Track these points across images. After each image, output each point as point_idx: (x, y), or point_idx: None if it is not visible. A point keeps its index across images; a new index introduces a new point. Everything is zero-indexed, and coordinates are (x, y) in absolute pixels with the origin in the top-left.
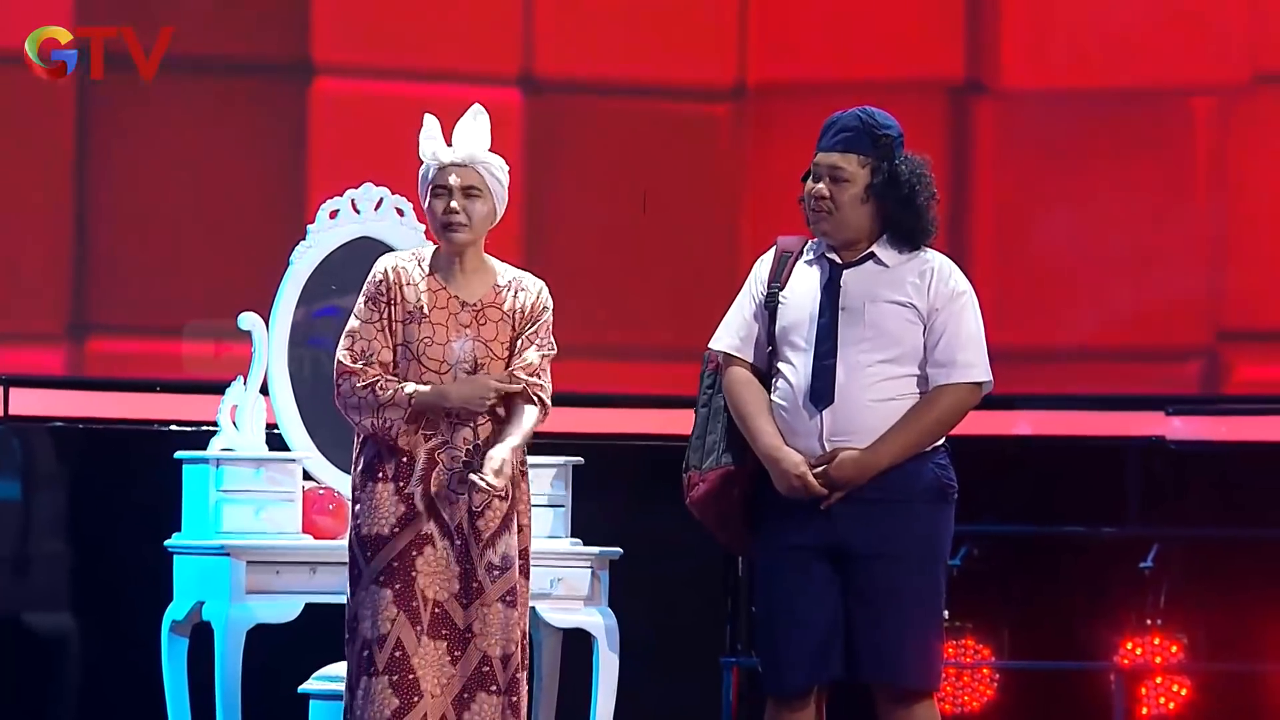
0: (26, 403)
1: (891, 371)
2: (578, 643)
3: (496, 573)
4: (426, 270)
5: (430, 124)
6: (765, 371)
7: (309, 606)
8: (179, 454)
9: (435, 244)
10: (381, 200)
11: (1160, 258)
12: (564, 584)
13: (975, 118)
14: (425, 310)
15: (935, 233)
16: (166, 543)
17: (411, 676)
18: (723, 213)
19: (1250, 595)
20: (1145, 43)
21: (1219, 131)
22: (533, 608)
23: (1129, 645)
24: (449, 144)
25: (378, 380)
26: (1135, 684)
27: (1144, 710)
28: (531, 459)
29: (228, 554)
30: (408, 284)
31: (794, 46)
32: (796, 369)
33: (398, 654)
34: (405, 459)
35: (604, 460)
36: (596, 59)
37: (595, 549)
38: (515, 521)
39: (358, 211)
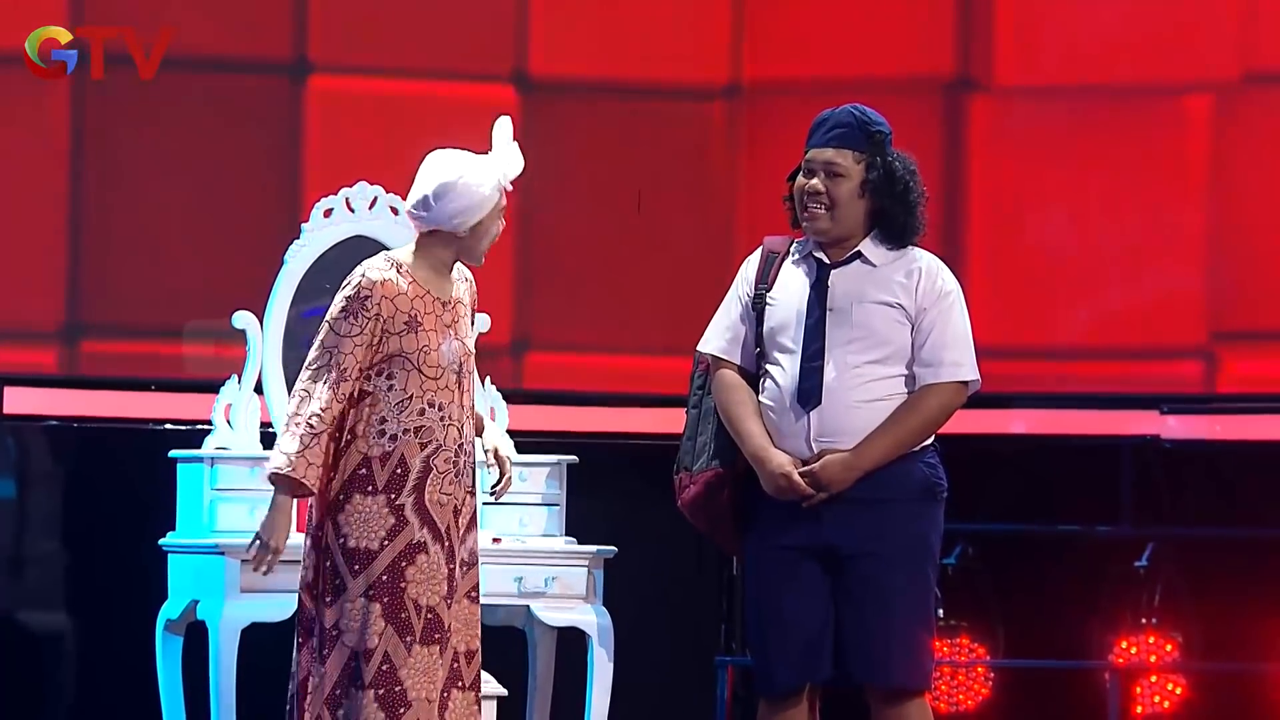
0: (21, 402)
1: (879, 372)
2: (572, 642)
3: (465, 568)
4: (410, 276)
5: (504, 132)
6: (754, 373)
7: None
8: (173, 453)
9: (408, 246)
10: (376, 199)
11: (1155, 256)
12: (558, 583)
13: (969, 115)
14: (419, 318)
15: (924, 231)
16: (161, 541)
17: (399, 689)
18: (717, 211)
19: (1245, 594)
20: (1139, 40)
21: (1213, 129)
22: (527, 606)
23: (1124, 644)
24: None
25: (313, 444)
26: (1130, 683)
27: (1139, 709)
28: (526, 458)
29: (222, 553)
30: (398, 295)
31: (788, 45)
32: (784, 370)
33: (384, 667)
34: (399, 470)
35: (598, 459)
36: (591, 57)
37: (590, 548)
38: (477, 516)
39: (352, 210)
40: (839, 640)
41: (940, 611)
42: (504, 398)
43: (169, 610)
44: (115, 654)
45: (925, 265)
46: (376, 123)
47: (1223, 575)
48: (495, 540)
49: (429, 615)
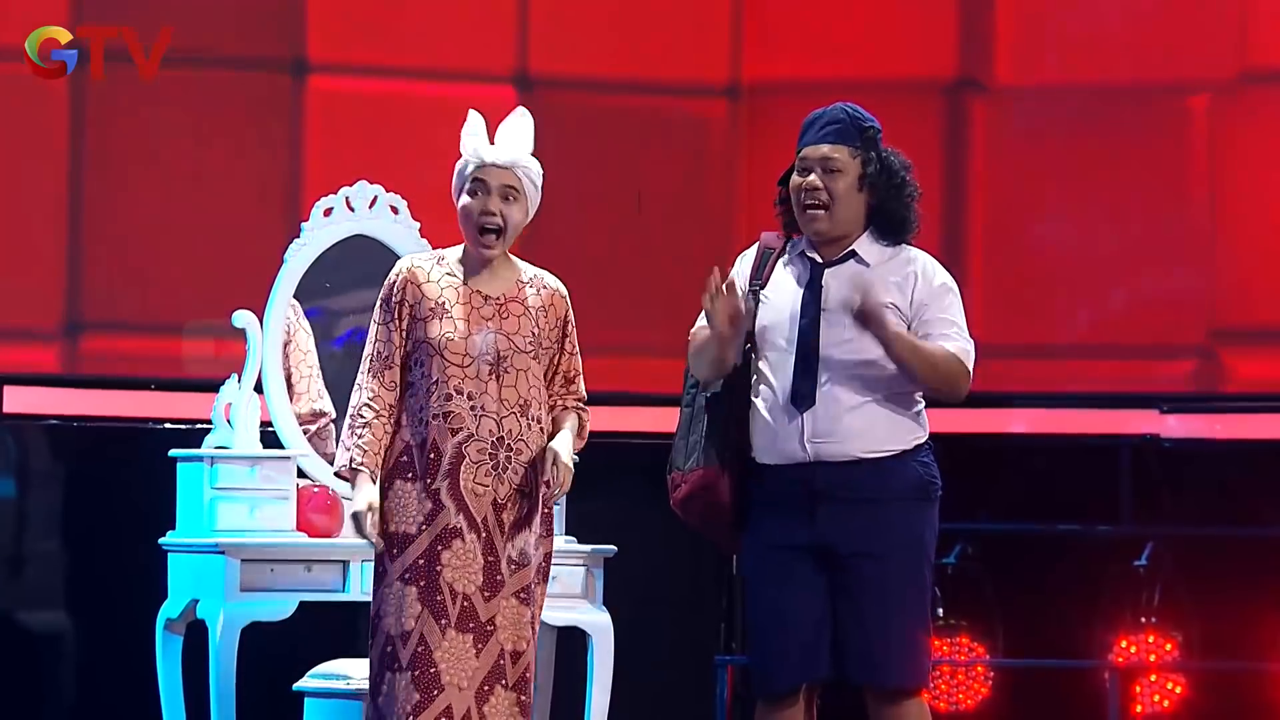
0: (21, 400)
1: (873, 373)
2: (572, 641)
3: (514, 567)
4: (448, 268)
5: (475, 120)
6: (739, 366)
7: (303, 604)
8: (173, 452)
9: (460, 245)
10: (376, 198)
11: (1154, 255)
12: (559, 582)
13: (969, 115)
14: (447, 306)
15: (919, 228)
16: (161, 541)
17: (433, 670)
18: (717, 211)
19: (1245, 593)
20: (1139, 40)
21: (1213, 129)
22: None
23: (1123, 643)
24: (491, 143)
25: (360, 438)
26: (1130, 682)
27: (1138, 708)
28: None
29: (222, 552)
30: (425, 282)
31: (788, 45)
32: (778, 371)
33: (420, 649)
34: (433, 455)
35: (598, 458)
36: (591, 57)
37: (590, 547)
38: (537, 521)
39: (352, 209)
40: (836, 640)
41: (940, 611)
42: None
43: (169, 609)
44: (115, 653)
45: (921, 265)
46: (376, 122)
47: (1222, 574)
48: None
49: (464, 603)
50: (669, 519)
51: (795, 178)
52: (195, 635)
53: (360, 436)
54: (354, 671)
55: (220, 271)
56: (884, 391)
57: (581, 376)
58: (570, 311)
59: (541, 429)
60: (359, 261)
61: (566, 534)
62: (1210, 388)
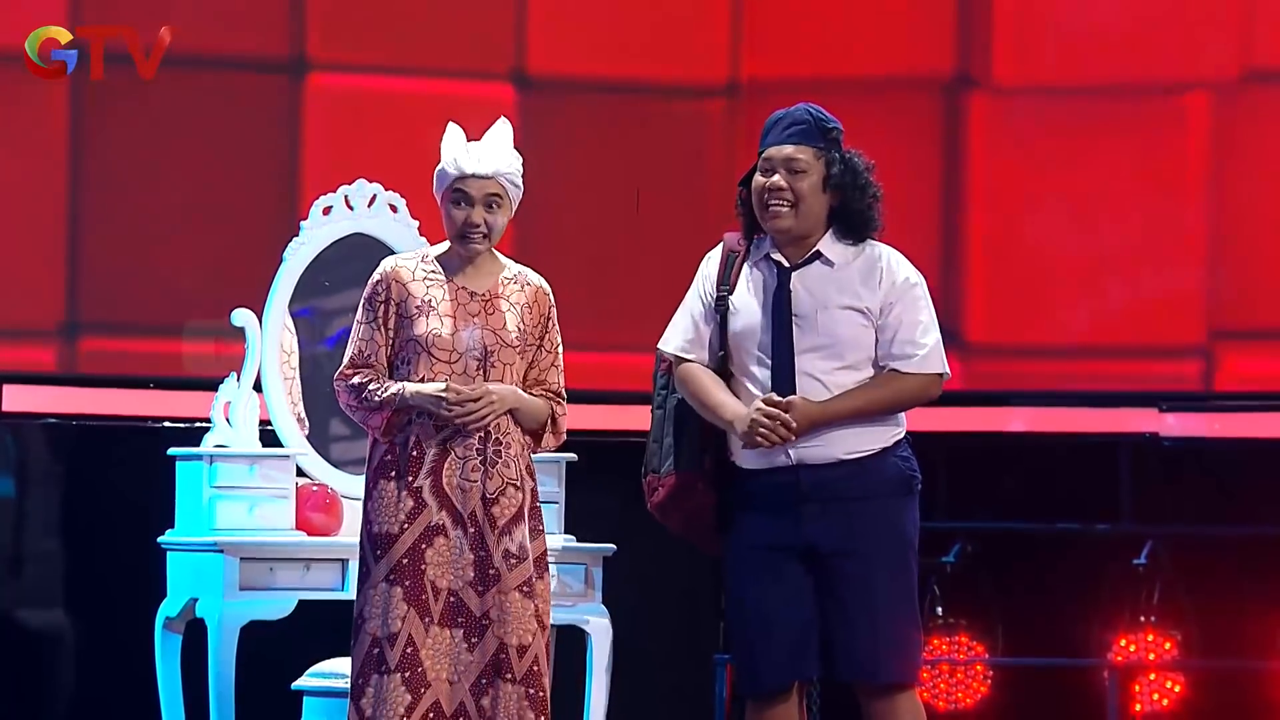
0: (20, 399)
1: (849, 378)
2: (571, 639)
3: (513, 561)
4: (432, 266)
5: (454, 134)
6: (718, 371)
7: (302, 603)
8: (172, 451)
9: (443, 244)
10: (375, 196)
11: (1153, 254)
12: (558, 581)
13: (968, 115)
14: (433, 303)
15: (882, 227)
16: (160, 539)
17: (420, 669)
18: (715, 210)
19: (1244, 592)
20: (1137, 39)
21: (1212, 128)
22: None
23: (1123, 642)
24: (471, 153)
25: (369, 381)
26: (1129, 680)
27: (1137, 707)
28: None
29: (221, 550)
30: (410, 280)
31: (786, 43)
32: (756, 381)
33: (409, 650)
34: (415, 453)
35: (597, 457)
36: (590, 55)
37: (589, 546)
38: (528, 516)
39: (351, 207)
40: (825, 639)
41: (939, 610)
42: None
43: (168, 608)
44: (114, 652)
45: (887, 262)
46: (375, 120)
47: (1221, 573)
48: None
49: (450, 599)
50: None
51: (758, 178)
52: (194, 634)
53: (379, 383)
54: None
55: (219, 270)
56: None
57: (560, 373)
58: (554, 308)
59: None
60: (358, 260)
61: (566, 533)
62: (1209, 387)
